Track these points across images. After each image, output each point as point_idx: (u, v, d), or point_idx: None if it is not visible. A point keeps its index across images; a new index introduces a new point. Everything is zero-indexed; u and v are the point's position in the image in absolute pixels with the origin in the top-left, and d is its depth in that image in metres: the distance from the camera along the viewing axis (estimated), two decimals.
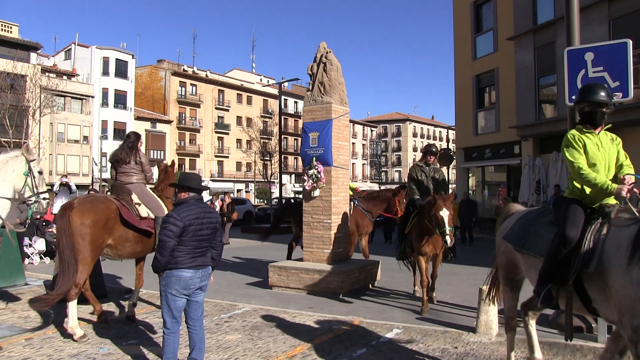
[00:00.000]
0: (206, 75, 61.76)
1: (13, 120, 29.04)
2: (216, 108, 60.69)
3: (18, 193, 6.06)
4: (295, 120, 67.14)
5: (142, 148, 7.18)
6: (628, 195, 3.53)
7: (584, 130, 3.97)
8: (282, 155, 31.13)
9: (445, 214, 6.82)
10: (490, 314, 5.97)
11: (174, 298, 4.35)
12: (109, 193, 7.39)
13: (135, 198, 6.69)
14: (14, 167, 6.00)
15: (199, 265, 4.41)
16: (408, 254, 8.46)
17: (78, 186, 14.82)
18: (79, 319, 6.02)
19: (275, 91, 61.71)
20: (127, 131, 48.31)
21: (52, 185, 19.49)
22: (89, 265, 5.98)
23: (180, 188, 4.60)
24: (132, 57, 51.49)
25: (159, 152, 52.67)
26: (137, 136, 7.19)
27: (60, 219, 6.01)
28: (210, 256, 4.60)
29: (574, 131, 3.99)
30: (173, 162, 8.04)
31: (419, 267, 7.75)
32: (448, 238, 6.76)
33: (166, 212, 6.55)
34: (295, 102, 68.45)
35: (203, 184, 4.77)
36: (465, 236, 17.44)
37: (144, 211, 6.61)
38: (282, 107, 37.06)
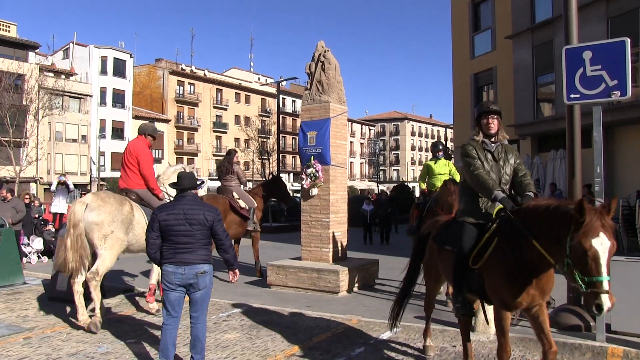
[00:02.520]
0: (204, 74, 61.70)
1: (14, 120, 28.99)
2: (214, 107, 60.65)
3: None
4: (293, 119, 67.08)
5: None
6: None
7: None
8: (280, 154, 31.09)
9: (603, 246, 3.22)
10: (489, 312, 5.96)
11: (166, 291, 4.55)
12: (216, 193, 10.54)
13: (235, 195, 10.03)
14: None
15: (180, 261, 4.49)
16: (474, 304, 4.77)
17: (75, 185, 14.77)
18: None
19: (273, 90, 61.60)
20: (125, 130, 49.06)
21: (50, 185, 19.46)
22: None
23: (173, 187, 4.97)
24: (130, 56, 51.42)
25: (157, 151, 52.57)
26: (235, 152, 10.57)
27: None
28: (223, 257, 4.84)
29: None
30: (273, 174, 11.13)
31: (498, 328, 4.09)
32: (606, 299, 3.15)
33: (255, 205, 10.22)
34: (294, 101, 68.40)
35: (198, 182, 5.09)
36: None
37: (242, 203, 9.99)
38: (280, 106, 37.02)
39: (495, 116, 4.52)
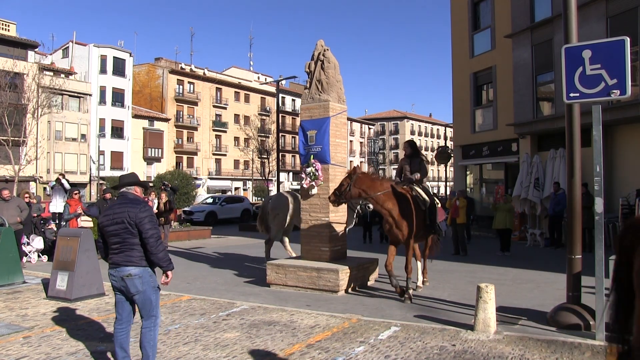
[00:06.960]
0: (204, 73, 61.65)
1: (12, 119, 28.97)
2: (214, 106, 60.61)
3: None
4: (292, 118, 67.10)
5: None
6: None
7: None
8: (280, 153, 31.10)
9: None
10: (488, 311, 5.96)
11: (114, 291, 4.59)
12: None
13: None
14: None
15: (112, 263, 4.46)
16: None
17: (75, 184, 14.75)
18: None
19: (272, 89, 61.61)
20: (125, 129, 49.10)
21: (50, 185, 19.52)
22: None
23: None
24: (130, 55, 51.34)
25: (156, 150, 52.59)
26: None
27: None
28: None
29: None
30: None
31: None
32: None
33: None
34: (293, 100, 68.39)
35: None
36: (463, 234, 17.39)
37: None
38: (280, 105, 37.02)
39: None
